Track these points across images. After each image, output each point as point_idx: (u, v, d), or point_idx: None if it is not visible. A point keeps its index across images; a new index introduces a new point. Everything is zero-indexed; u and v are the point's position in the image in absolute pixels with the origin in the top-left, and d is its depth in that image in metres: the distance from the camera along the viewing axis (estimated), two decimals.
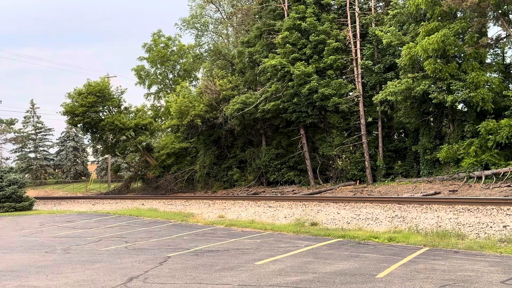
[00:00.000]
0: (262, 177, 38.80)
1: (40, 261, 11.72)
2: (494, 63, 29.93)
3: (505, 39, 28.68)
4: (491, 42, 28.41)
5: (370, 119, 34.35)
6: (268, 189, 36.80)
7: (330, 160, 36.19)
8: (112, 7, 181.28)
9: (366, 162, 33.35)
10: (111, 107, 47.72)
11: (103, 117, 46.70)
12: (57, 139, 77.40)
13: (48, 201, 40.37)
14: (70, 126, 63.37)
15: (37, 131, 74.78)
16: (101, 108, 46.97)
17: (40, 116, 76.17)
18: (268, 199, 28.16)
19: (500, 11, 27.33)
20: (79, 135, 73.27)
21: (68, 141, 74.69)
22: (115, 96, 47.87)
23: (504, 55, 31.24)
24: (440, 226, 14.64)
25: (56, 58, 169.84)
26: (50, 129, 76.44)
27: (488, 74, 27.71)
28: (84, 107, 44.69)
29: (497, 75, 28.99)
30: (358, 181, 33.49)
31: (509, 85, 29.92)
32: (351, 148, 34.88)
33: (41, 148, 75.63)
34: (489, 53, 29.91)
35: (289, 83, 34.01)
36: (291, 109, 34.62)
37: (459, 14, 29.43)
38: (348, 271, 9.45)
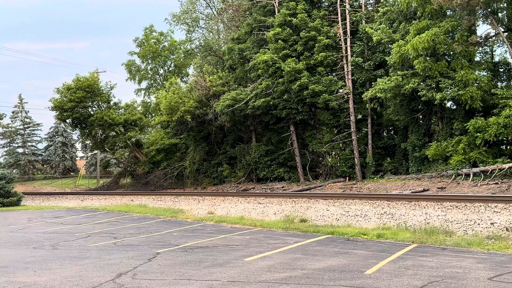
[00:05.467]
0: (252, 173, 38.81)
1: (28, 257, 11.64)
2: (483, 61, 30.12)
3: (494, 38, 28.86)
4: (480, 41, 28.59)
5: (359, 116, 34.48)
6: (258, 185, 36.81)
7: (320, 157, 36.27)
8: (108, 0, 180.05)
9: (355, 159, 33.46)
10: (100, 103, 47.41)
11: (92, 113, 46.42)
12: (45, 134, 76.97)
13: (37, 197, 40.11)
14: (58, 121, 62.95)
15: (25, 126, 74.22)
16: (90, 103, 46.66)
17: (28, 111, 75.70)
18: (257, 196, 28.19)
19: (489, 9, 27.50)
20: (68, 130, 72.80)
21: (56, 136, 74.18)
22: (104, 92, 47.58)
23: (493, 53, 31.45)
24: (428, 223, 14.73)
25: (48, 51, 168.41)
26: (39, 124, 76.02)
27: (477, 72, 27.87)
28: (73, 102, 44.37)
29: (486, 73, 29.18)
30: (347, 178, 33.61)
31: (498, 83, 30.13)
32: (340, 145, 34.98)
33: (30, 143, 75.10)
34: (478, 51, 30.12)
35: (280, 80, 34.01)
36: (281, 105, 34.61)
37: (448, 13, 29.59)
38: (337, 267, 9.49)
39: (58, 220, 20.89)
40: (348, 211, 18.82)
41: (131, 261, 10.60)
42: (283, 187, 34.30)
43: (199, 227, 16.82)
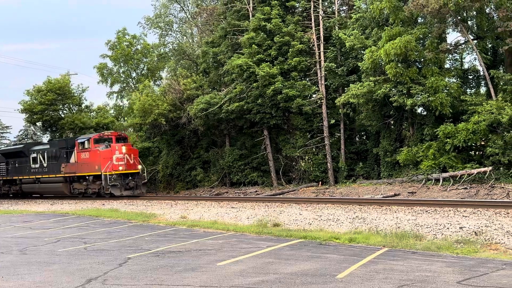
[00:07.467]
0: (226, 177, 38.73)
1: None
2: (452, 68, 30.71)
3: (463, 45, 29.49)
4: (450, 48, 29.15)
5: (332, 121, 34.73)
6: (231, 190, 36.75)
7: (293, 161, 36.40)
8: (79, 2, 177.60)
9: (328, 164, 33.69)
10: (71, 105, 46.85)
11: (63, 116, 45.82)
12: (14, 137, 75.40)
13: (4, 201, 39.24)
14: (28, 124, 61.87)
15: None
16: (61, 106, 46.09)
17: None
18: (231, 200, 28.11)
19: (459, 17, 28.07)
20: (38, 133, 71.51)
21: (26, 139, 72.76)
22: (75, 94, 47.05)
23: (463, 60, 32.13)
24: (399, 227, 14.90)
25: (18, 52, 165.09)
26: (8, 127, 74.53)
27: (446, 79, 28.39)
28: (43, 104, 43.75)
29: (456, 80, 29.76)
30: (320, 182, 33.81)
31: (467, 90, 30.76)
32: (314, 149, 35.17)
33: None
34: (448, 59, 30.69)
35: (254, 84, 34.06)
36: (255, 110, 34.66)
37: (420, 20, 30.12)
38: (309, 271, 9.53)
39: (26, 225, 20.48)
40: (320, 216, 18.91)
41: (102, 266, 10.46)
42: (256, 191, 34.32)
43: (171, 232, 16.70)
